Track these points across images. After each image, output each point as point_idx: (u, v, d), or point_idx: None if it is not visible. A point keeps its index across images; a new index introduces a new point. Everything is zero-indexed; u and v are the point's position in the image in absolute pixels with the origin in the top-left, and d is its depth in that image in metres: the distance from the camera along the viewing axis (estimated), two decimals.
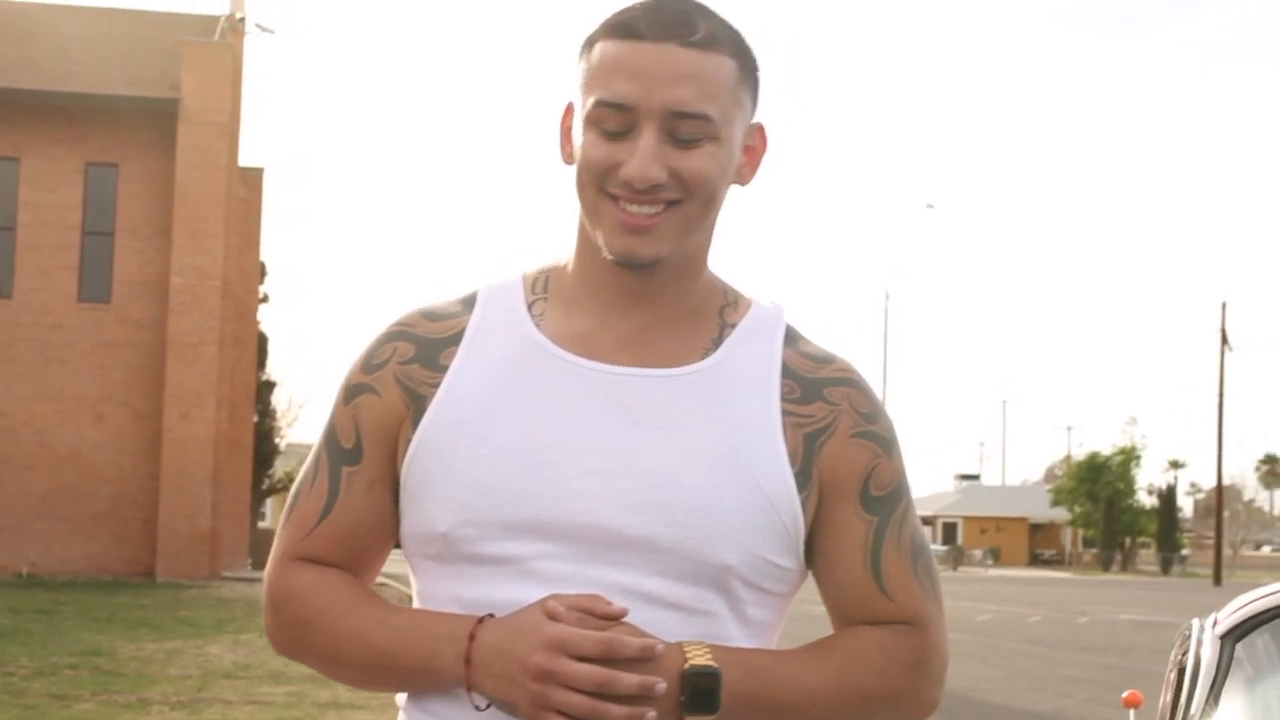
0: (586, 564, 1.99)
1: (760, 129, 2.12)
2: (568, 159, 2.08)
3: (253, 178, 40.63)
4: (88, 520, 33.45)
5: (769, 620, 2.10)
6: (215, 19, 37.23)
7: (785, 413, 2.07)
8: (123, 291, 34.15)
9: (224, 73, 34.73)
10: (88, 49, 34.95)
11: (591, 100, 2.01)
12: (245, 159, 38.91)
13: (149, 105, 34.00)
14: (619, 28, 2.02)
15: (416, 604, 2.13)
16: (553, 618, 1.93)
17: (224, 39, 35.99)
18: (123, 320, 34.08)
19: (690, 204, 2.01)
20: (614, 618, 1.94)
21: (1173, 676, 3.77)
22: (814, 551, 2.10)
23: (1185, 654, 3.61)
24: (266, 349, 45.31)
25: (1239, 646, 3.32)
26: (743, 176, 2.11)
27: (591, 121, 2.01)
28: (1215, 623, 3.42)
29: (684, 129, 1.99)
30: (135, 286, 34.13)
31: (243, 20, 37.46)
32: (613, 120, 1.99)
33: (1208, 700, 3.26)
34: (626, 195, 1.99)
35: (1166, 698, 3.79)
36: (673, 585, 2.00)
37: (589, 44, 2.05)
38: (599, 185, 2.01)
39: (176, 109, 33.79)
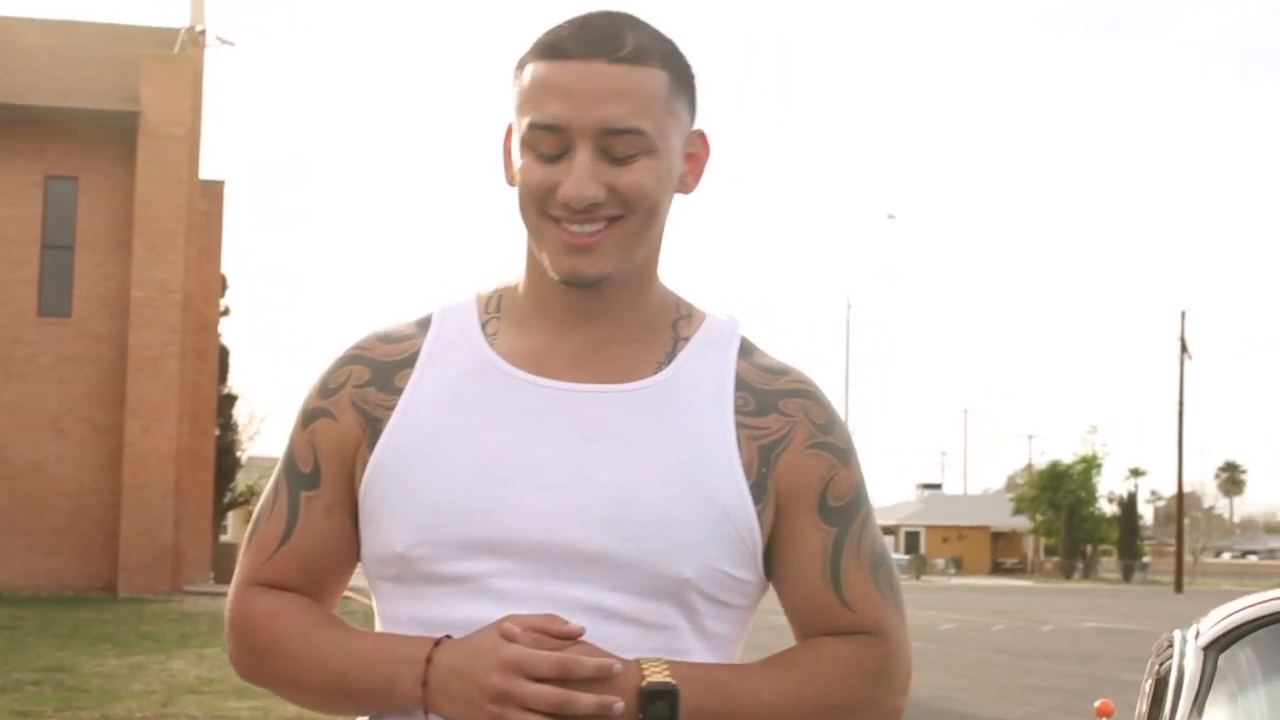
0: (543, 580, 1.99)
1: (701, 136, 2.12)
2: (510, 181, 2.09)
3: (213, 190, 40.47)
4: (48, 535, 33.25)
5: (729, 634, 2.09)
6: (175, 32, 37.09)
7: (740, 425, 2.06)
8: (83, 305, 33.98)
9: (184, 85, 34.60)
10: (47, 62, 34.80)
11: (525, 123, 2.01)
12: (206, 172, 38.77)
13: (109, 118, 33.84)
14: (547, 48, 2.02)
15: (379, 626, 2.13)
16: (509, 639, 1.93)
17: (184, 52, 35.86)
18: (83, 334, 33.91)
19: (631, 219, 2.01)
20: (570, 637, 1.95)
21: (1149, 687, 3.77)
22: (773, 563, 2.09)
23: (1163, 665, 3.61)
24: (228, 362, 45.12)
25: (1222, 658, 3.32)
26: (686, 185, 2.11)
27: (527, 144, 2.02)
28: (1198, 634, 3.42)
29: (619, 145, 1.99)
30: (95, 300, 33.97)
31: (203, 33, 37.33)
32: (547, 142, 2.00)
33: (1191, 713, 3.26)
34: (566, 216, 1.99)
35: (1142, 708, 3.79)
36: (630, 600, 2.00)
37: (520, 65, 2.05)
38: (540, 208, 2.02)
39: (136, 122, 33.65)
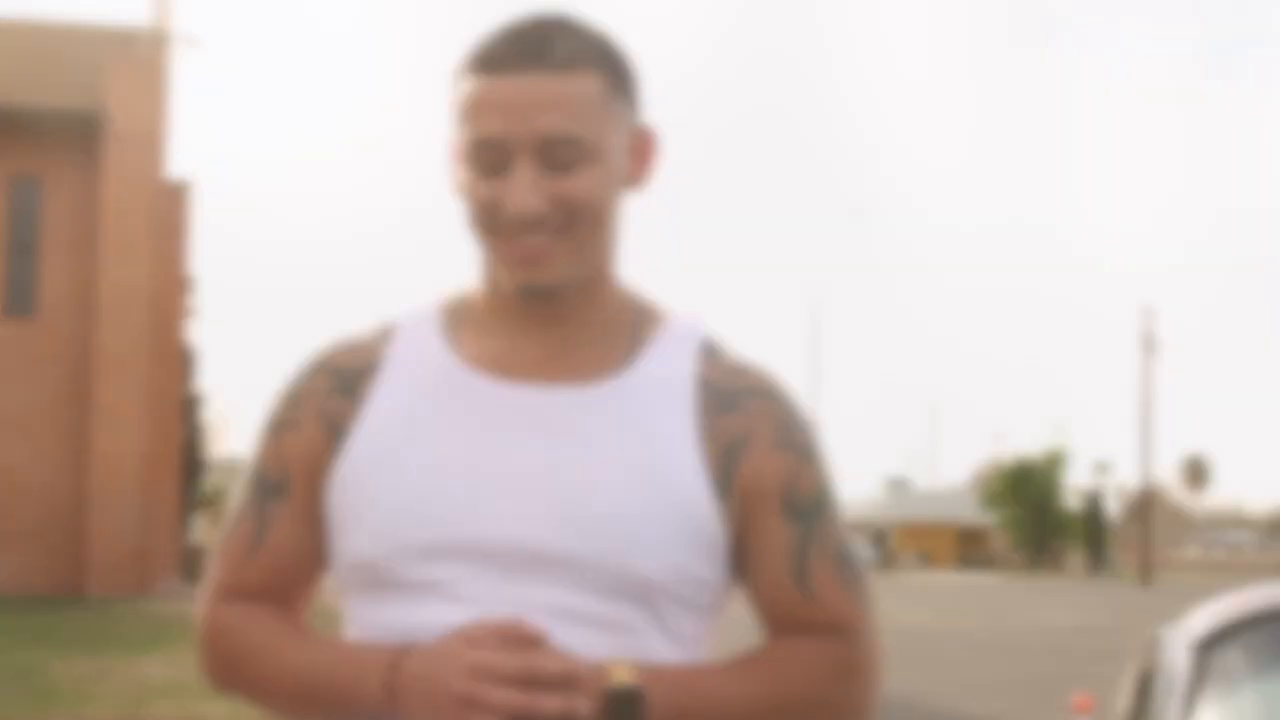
0: (509, 584, 2.00)
1: (647, 130, 2.12)
2: (457, 193, 2.09)
3: (179, 191, 40.34)
4: (15, 538, 33.11)
5: (696, 634, 2.09)
6: (141, 32, 36.96)
7: (702, 425, 2.07)
8: (48, 306, 33.84)
9: (150, 86, 34.49)
10: (11, 62, 34.63)
11: (464, 139, 2.02)
12: (172, 172, 38.64)
13: (74, 119, 33.71)
14: (479, 61, 2.02)
15: (347, 633, 2.14)
16: (473, 643, 1.93)
17: (149, 52, 35.72)
18: (49, 335, 33.77)
19: (579, 226, 2.02)
20: (535, 641, 1.95)
21: (1132, 683, 3.77)
22: (739, 563, 2.10)
23: (1150, 662, 3.61)
24: (194, 363, 45.01)
25: (1212, 656, 3.32)
26: (636, 181, 2.11)
27: (467, 160, 2.03)
28: (1187, 632, 3.42)
29: (558, 155, 1.99)
30: (60, 301, 33.83)
31: (169, 33, 37.19)
32: (486, 157, 2.00)
33: (1181, 712, 3.26)
34: (513, 229, 2.00)
35: (1124, 704, 3.79)
36: (595, 601, 2.00)
37: (456, 78, 2.06)
38: (486, 223, 2.03)
39: (102, 122, 33.52)
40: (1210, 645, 3.32)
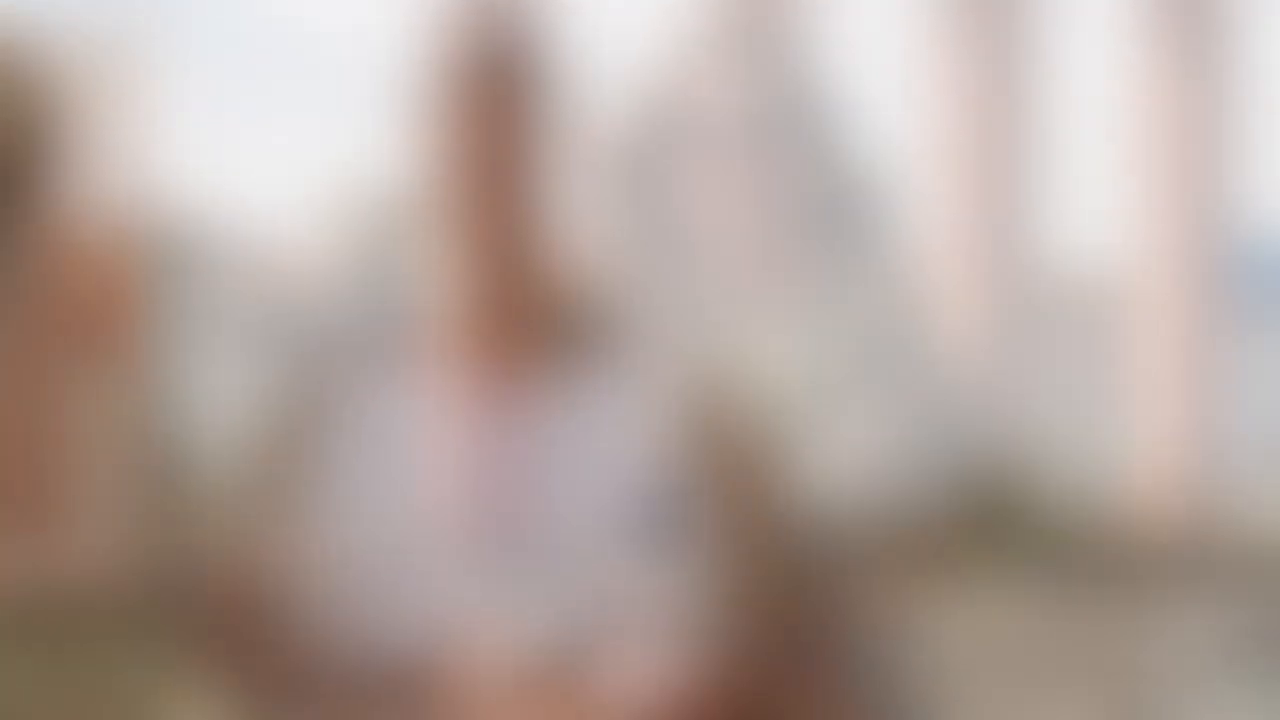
0: (476, 601, 2.02)
1: (574, 118, 2.14)
2: (416, 213, 2.15)
3: (153, 198, 40.51)
4: None
5: (666, 642, 2.09)
6: (109, 39, 37.04)
7: (665, 431, 2.08)
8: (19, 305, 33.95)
9: (125, 97, 34.57)
10: None
11: (418, 162, 2.09)
12: (148, 180, 38.82)
13: (40, 133, 33.77)
14: (431, 92, 2.07)
15: (340, 638, 2.13)
16: (444, 667, 1.97)
17: (124, 62, 35.83)
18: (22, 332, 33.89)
19: (533, 240, 2.07)
20: (507, 660, 1.97)
21: (1130, 690, 3.77)
22: (711, 569, 2.09)
23: (1146, 672, 3.61)
24: (176, 364, 45.31)
25: (1213, 661, 3.33)
26: (569, 173, 2.13)
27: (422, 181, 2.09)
28: (1188, 640, 3.42)
29: (504, 176, 2.05)
30: (43, 302, 33.95)
31: (138, 41, 37.30)
32: (440, 182, 2.06)
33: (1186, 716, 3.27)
34: (469, 248, 2.06)
35: (1123, 709, 3.79)
36: (562, 613, 2.02)
37: (410, 106, 2.11)
38: (443, 243, 2.08)
39: (70, 132, 33.58)
40: (1209, 649, 3.33)
